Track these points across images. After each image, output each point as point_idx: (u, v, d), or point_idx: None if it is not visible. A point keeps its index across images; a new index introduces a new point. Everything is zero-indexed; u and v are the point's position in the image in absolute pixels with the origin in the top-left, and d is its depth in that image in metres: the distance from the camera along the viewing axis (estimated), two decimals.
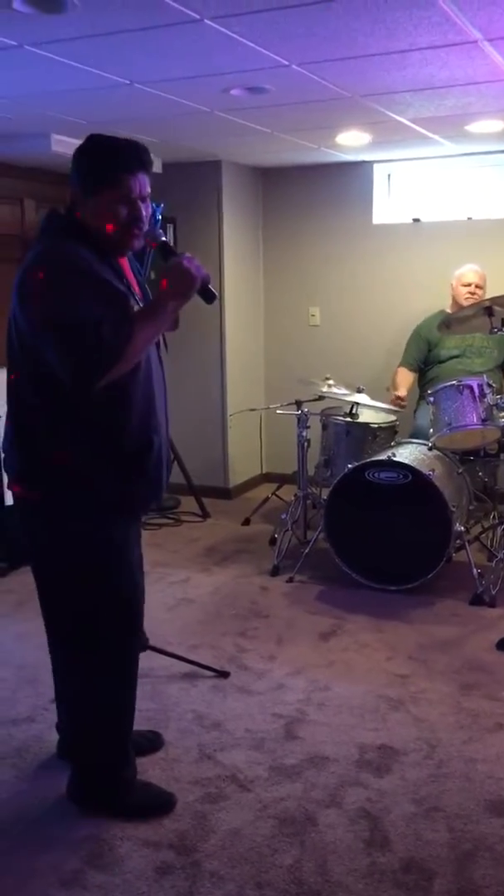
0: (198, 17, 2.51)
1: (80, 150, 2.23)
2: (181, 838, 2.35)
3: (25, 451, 2.31)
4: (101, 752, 2.44)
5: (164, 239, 2.33)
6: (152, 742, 2.77)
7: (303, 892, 2.14)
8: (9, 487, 2.45)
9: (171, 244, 2.35)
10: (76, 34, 2.66)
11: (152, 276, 3.30)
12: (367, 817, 2.44)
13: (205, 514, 5.44)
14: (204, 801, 2.51)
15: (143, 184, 2.21)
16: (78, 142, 4.77)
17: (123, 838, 2.34)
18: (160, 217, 2.58)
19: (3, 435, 2.44)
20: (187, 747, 2.79)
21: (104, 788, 2.46)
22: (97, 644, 2.35)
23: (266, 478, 6.19)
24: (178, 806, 2.48)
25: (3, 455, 2.43)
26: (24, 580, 4.27)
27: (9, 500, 4.58)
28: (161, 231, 2.34)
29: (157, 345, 2.40)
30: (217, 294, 2.34)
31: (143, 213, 2.22)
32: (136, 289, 2.36)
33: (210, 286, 2.30)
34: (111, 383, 2.14)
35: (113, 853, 2.29)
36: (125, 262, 2.36)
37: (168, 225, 5.30)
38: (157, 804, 2.46)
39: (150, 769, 2.64)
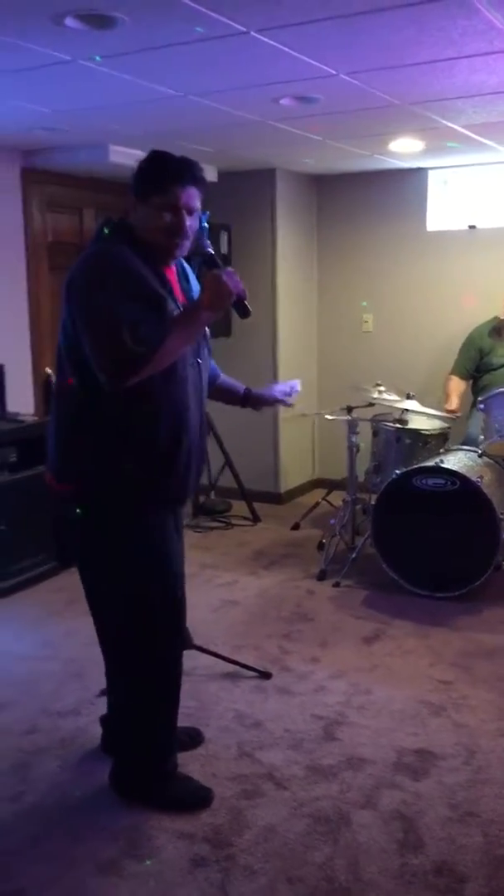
0: (244, 29, 2.57)
1: (140, 162, 2.36)
2: (216, 832, 2.40)
3: (66, 450, 2.40)
4: (146, 745, 2.51)
5: (209, 251, 2.39)
6: (193, 738, 2.83)
7: (333, 890, 2.17)
8: (50, 484, 2.54)
9: (217, 257, 2.40)
10: (126, 49, 2.75)
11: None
12: (402, 819, 2.45)
13: (255, 519, 5.49)
14: (240, 797, 2.56)
15: (191, 196, 2.30)
16: (135, 152, 4.91)
17: (161, 829, 2.40)
18: (206, 225, 2.64)
19: (47, 434, 2.53)
20: (227, 745, 2.84)
21: (146, 780, 2.53)
22: (142, 639, 2.42)
23: (317, 483, 6.21)
24: (216, 801, 2.53)
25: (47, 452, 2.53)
26: (74, 579, 4.35)
27: None
28: (208, 242, 2.41)
29: (199, 351, 2.47)
30: (251, 311, 2.37)
31: (188, 223, 2.30)
32: (181, 296, 2.43)
33: (246, 302, 2.34)
34: (145, 384, 2.22)
35: (150, 844, 2.35)
36: (172, 274, 2.43)
37: (223, 232, 5.37)
38: (196, 798, 2.52)
39: (189, 764, 2.69)
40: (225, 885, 2.19)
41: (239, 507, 5.60)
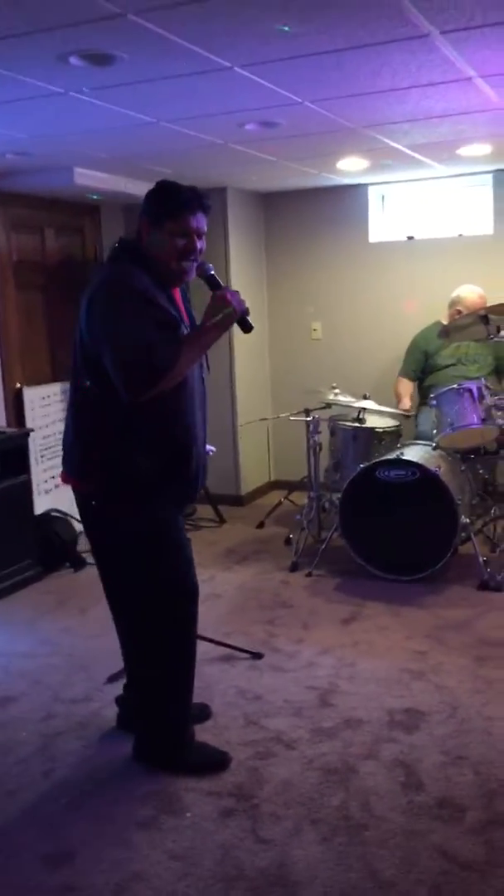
0: (229, 65, 2.85)
1: (151, 191, 2.59)
2: (239, 788, 2.65)
3: (84, 448, 2.63)
4: (167, 718, 2.75)
5: (212, 272, 2.64)
6: (202, 713, 3.07)
7: (352, 826, 2.44)
8: (65, 482, 2.77)
9: (218, 278, 2.65)
10: (119, 82, 2.99)
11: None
12: (402, 766, 2.74)
13: (221, 520, 5.75)
14: (255, 758, 2.81)
15: (201, 222, 2.55)
16: (99, 174, 5.13)
17: (188, 790, 2.64)
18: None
19: (64, 434, 2.76)
20: (234, 716, 3.09)
21: (168, 749, 2.76)
22: (163, 621, 2.67)
23: (275, 485, 6.51)
24: (233, 763, 2.78)
25: (63, 453, 2.75)
26: (60, 582, 4.60)
27: (39, 508, 4.89)
28: (210, 266, 2.65)
29: (200, 366, 2.73)
30: (253, 326, 2.64)
31: (198, 246, 2.55)
32: (185, 316, 2.68)
33: (248, 318, 2.61)
34: (159, 396, 2.46)
35: (181, 802, 2.58)
36: (177, 292, 2.68)
37: None
38: (215, 761, 2.76)
39: (203, 735, 2.92)
40: (255, 830, 2.44)
41: (203, 510, 5.84)
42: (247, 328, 2.62)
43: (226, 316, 2.53)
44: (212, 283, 2.64)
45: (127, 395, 2.43)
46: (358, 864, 2.28)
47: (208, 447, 3.18)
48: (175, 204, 2.52)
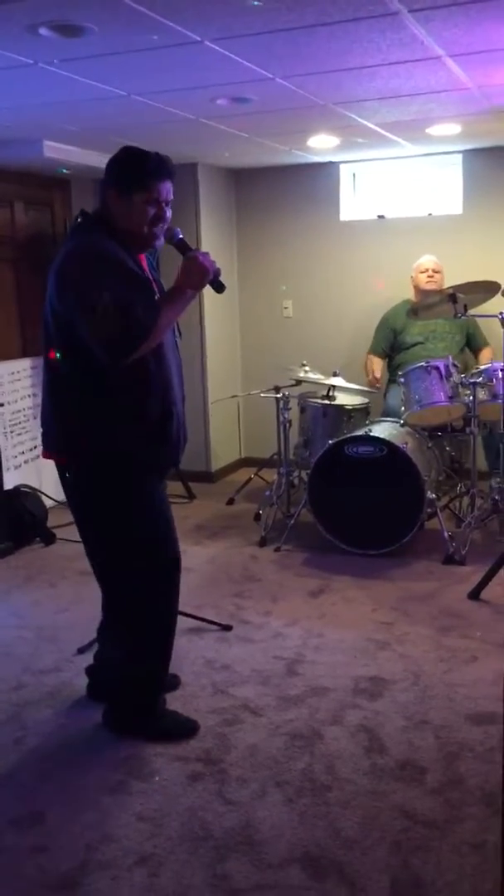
0: (199, 39, 2.86)
1: (116, 160, 2.58)
2: (207, 753, 2.70)
3: (64, 423, 2.64)
4: (142, 687, 2.80)
5: (181, 237, 2.67)
6: (172, 682, 3.11)
7: (316, 787, 2.51)
8: (45, 457, 2.79)
9: (187, 241, 2.69)
10: (89, 54, 2.99)
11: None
12: (366, 731, 2.81)
13: (191, 496, 5.79)
14: (223, 725, 2.87)
15: (168, 189, 2.57)
16: (70, 147, 5.10)
17: (157, 755, 2.69)
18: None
19: (41, 410, 2.77)
20: (202, 685, 3.15)
21: (139, 716, 2.80)
22: (148, 594, 2.71)
23: (245, 462, 6.55)
24: (201, 730, 2.83)
25: (42, 429, 2.76)
26: (29, 558, 4.62)
27: (9, 483, 4.90)
28: (178, 230, 2.68)
29: (173, 331, 2.75)
30: (226, 285, 2.69)
31: (167, 214, 2.57)
32: (154, 284, 2.71)
33: (221, 279, 2.64)
34: (134, 363, 2.49)
35: (150, 767, 2.64)
36: (143, 260, 2.71)
37: None
38: (184, 728, 2.82)
39: (172, 703, 2.97)
40: (222, 793, 2.50)
41: (174, 486, 5.86)
42: (219, 288, 2.67)
43: (198, 277, 2.55)
44: (181, 246, 2.67)
45: (109, 362, 2.44)
46: (321, 823, 2.35)
47: None
48: (144, 174, 2.52)
